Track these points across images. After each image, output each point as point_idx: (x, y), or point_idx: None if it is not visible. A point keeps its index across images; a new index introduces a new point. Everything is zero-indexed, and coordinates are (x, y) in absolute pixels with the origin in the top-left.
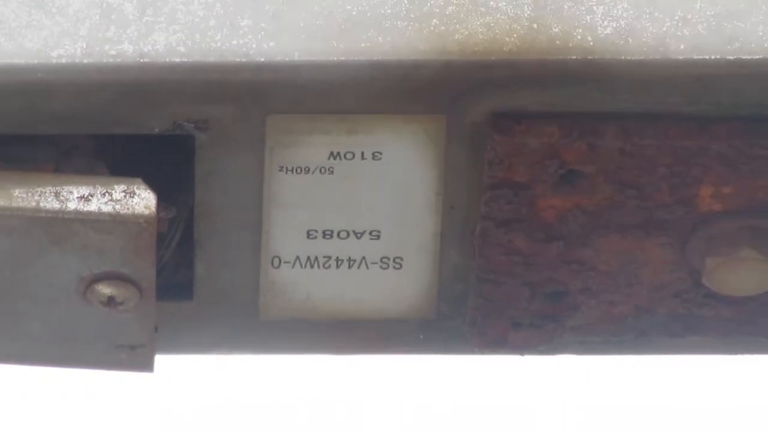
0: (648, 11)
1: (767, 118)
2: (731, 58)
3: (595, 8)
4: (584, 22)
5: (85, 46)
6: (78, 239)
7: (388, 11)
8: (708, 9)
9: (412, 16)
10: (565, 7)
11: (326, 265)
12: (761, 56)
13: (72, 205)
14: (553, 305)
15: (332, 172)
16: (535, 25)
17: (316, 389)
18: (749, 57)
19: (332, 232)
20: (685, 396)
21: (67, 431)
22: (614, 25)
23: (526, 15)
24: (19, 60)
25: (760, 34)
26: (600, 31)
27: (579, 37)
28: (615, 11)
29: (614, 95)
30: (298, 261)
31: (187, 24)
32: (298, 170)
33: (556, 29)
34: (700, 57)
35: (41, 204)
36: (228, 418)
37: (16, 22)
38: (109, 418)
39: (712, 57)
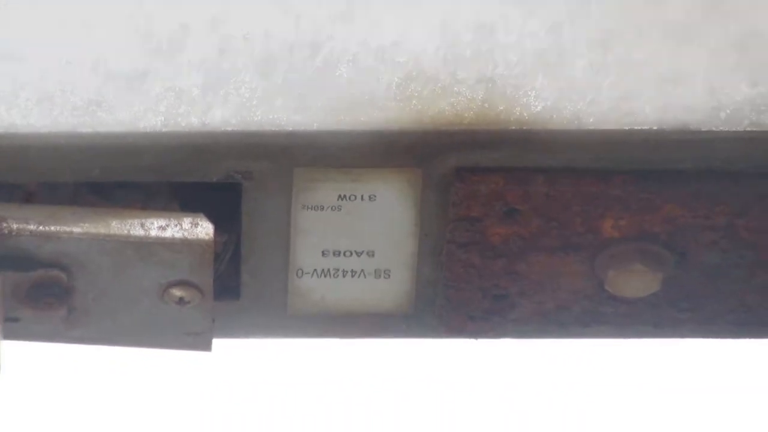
0: (567, 95)
1: (651, 171)
2: (626, 128)
3: (529, 92)
4: (522, 102)
5: (163, 120)
6: (158, 257)
7: (381, 95)
8: (610, 92)
9: (398, 98)
10: (508, 91)
11: (335, 275)
12: (648, 127)
13: (153, 233)
14: (498, 304)
15: (340, 209)
16: (486, 105)
17: (328, 364)
18: (639, 128)
19: (340, 251)
20: (592, 372)
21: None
22: (543, 105)
23: (479, 97)
24: (117, 128)
25: (648, 111)
26: (533, 109)
27: (518, 113)
28: (544, 94)
29: (542, 154)
30: (315, 272)
31: (236, 103)
32: (316, 208)
33: (501, 107)
34: (604, 128)
35: (131, 232)
36: (265, 389)
37: (115, 101)
38: (176, 386)
39: (613, 128)
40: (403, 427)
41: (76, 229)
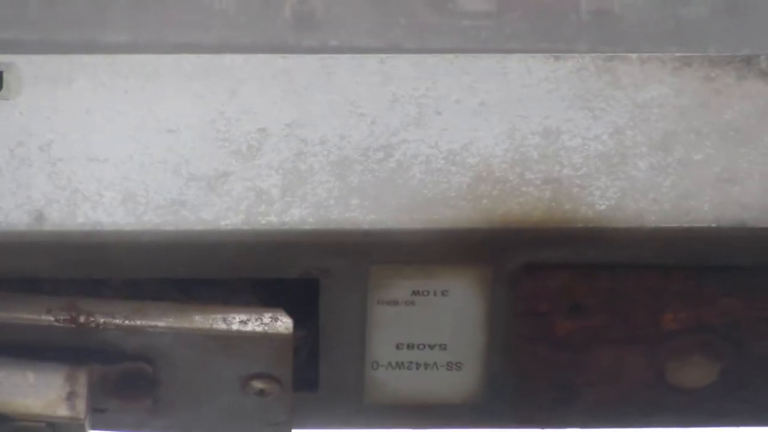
0: (630, 194)
1: (709, 266)
2: (686, 226)
3: (594, 191)
4: (587, 201)
5: (244, 218)
6: (239, 350)
7: (453, 194)
8: (671, 192)
9: (469, 197)
10: (574, 191)
11: (409, 368)
12: (706, 225)
13: (235, 327)
14: (564, 394)
15: (414, 304)
16: (553, 204)
17: None
18: (698, 225)
19: (413, 345)
20: None
21: None
22: (607, 204)
23: (546, 197)
24: (199, 227)
25: (706, 209)
26: (597, 208)
27: (583, 212)
28: (608, 193)
29: (607, 251)
30: (389, 365)
31: (313, 203)
32: (390, 303)
33: (568, 206)
34: (665, 226)
35: (213, 326)
36: None
37: (197, 201)
38: None
39: (673, 225)
40: None
41: (161, 324)
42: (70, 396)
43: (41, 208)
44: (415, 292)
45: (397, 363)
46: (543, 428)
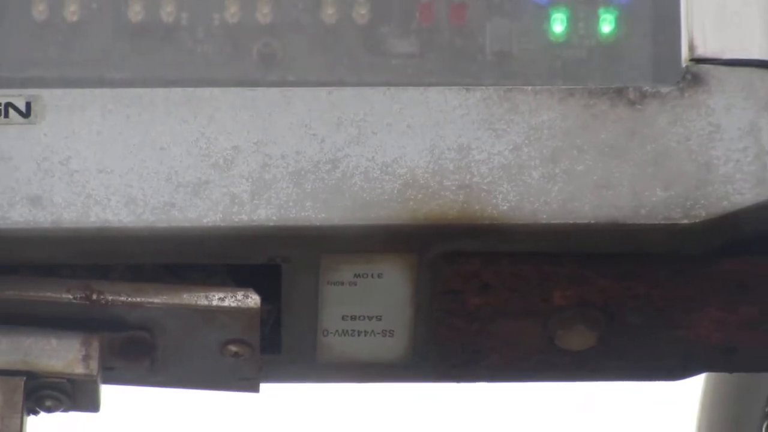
0: (526, 197)
1: (589, 254)
2: (571, 222)
3: (498, 195)
4: (492, 203)
5: (221, 216)
6: (218, 321)
7: (386, 197)
8: (558, 195)
9: (399, 200)
10: (482, 195)
11: (352, 335)
12: (587, 222)
13: (215, 303)
14: (474, 356)
15: (356, 284)
16: (465, 205)
17: (347, 402)
18: (581, 222)
19: (356, 316)
20: (547, 406)
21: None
22: (508, 205)
23: (460, 199)
24: (186, 224)
25: (586, 209)
26: (501, 208)
27: (489, 211)
28: (509, 197)
29: (509, 242)
30: (337, 332)
31: (276, 204)
32: (337, 283)
33: (477, 207)
34: (554, 222)
35: (198, 302)
36: (300, 422)
37: (184, 203)
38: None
39: (561, 222)
40: None
41: (156, 300)
42: (85, 357)
43: (62, 209)
44: (357, 275)
45: (343, 331)
46: (458, 382)
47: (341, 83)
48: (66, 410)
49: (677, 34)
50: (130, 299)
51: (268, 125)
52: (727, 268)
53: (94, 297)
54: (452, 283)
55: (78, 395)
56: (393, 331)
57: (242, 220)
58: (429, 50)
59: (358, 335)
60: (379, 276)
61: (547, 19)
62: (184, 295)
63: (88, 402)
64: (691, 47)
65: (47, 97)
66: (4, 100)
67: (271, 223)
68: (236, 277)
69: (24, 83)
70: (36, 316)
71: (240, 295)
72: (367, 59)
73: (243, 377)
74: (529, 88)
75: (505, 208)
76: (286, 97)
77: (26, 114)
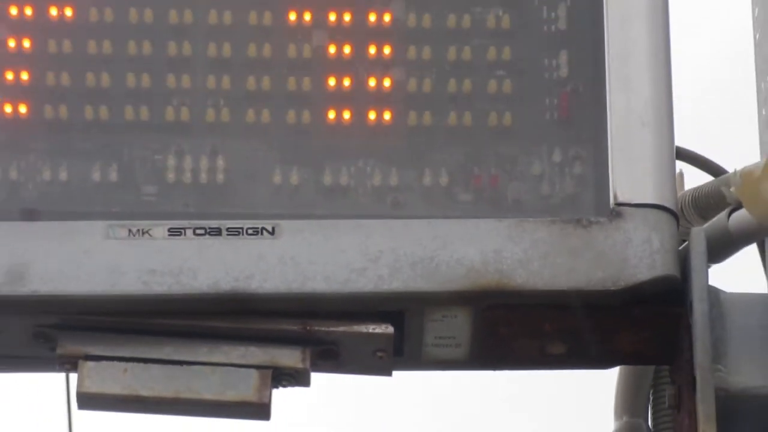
0: (531, 276)
1: (565, 305)
2: (554, 289)
3: (516, 275)
4: (513, 279)
5: (380, 286)
6: (372, 340)
7: (459, 276)
8: (548, 274)
9: (465, 277)
10: (507, 275)
11: (440, 347)
12: (563, 288)
13: (370, 330)
14: (503, 357)
15: (443, 321)
16: (498, 281)
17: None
18: (558, 288)
19: (442, 337)
20: None
21: None
22: (522, 280)
23: (496, 278)
24: (367, 290)
25: (563, 282)
26: (517, 281)
27: (511, 284)
28: (522, 276)
29: (521, 299)
30: (432, 345)
31: (405, 280)
32: (433, 320)
33: (505, 281)
34: (545, 288)
35: (361, 330)
36: None
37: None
38: None
39: (548, 289)
40: None
41: (340, 329)
42: (303, 359)
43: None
44: (443, 316)
45: (435, 344)
46: (493, 370)
47: (435, 217)
48: (292, 386)
49: (607, 188)
50: (327, 329)
51: (397, 237)
52: (635, 312)
53: (308, 328)
54: (491, 321)
55: (299, 378)
56: (460, 344)
57: (390, 288)
58: (479, 200)
59: (443, 347)
60: (455, 317)
61: (541, 184)
62: (354, 327)
63: (304, 383)
64: (615, 196)
65: (285, 224)
66: (260, 225)
67: (401, 290)
68: (380, 318)
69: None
70: (276, 337)
71: (383, 326)
72: (448, 204)
73: (384, 368)
74: (531, 219)
75: (519, 282)
76: (406, 225)
77: (272, 233)
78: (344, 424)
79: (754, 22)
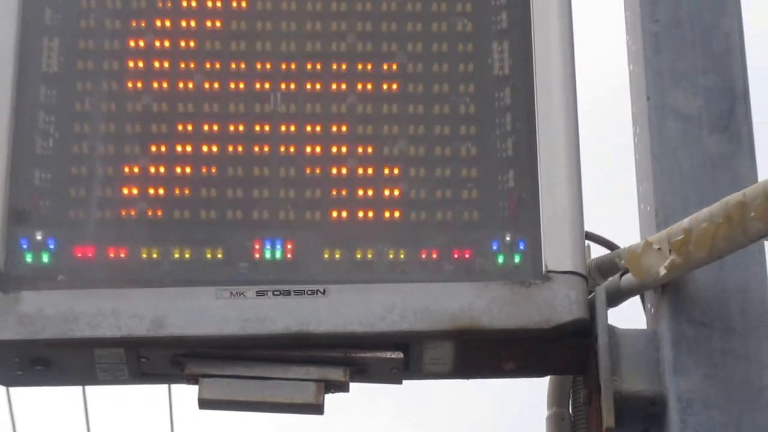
0: (494, 319)
1: (515, 338)
2: (508, 327)
3: (482, 318)
4: (480, 321)
5: (393, 327)
6: (388, 361)
7: (444, 319)
8: (504, 317)
9: (449, 320)
10: (476, 318)
11: (434, 365)
12: (513, 327)
13: (387, 356)
14: (477, 371)
15: (435, 349)
16: (470, 322)
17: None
18: (511, 327)
19: (435, 359)
20: None
21: None
22: (487, 321)
23: (468, 321)
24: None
25: (512, 323)
26: (483, 323)
27: (479, 325)
28: (486, 319)
29: (487, 335)
30: (429, 364)
31: (405, 322)
32: (430, 348)
33: (476, 323)
34: (501, 327)
35: (380, 356)
36: None
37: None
38: None
39: (503, 327)
40: None
41: (369, 355)
42: (344, 375)
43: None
44: (434, 345)
45: (431, 364)
46: (471, 378)
47: (429, 281)
48: (338, 392)
49: (541, 261)
50: (360, 356)
51: (405, 295)
52: (560, 342)
53: (348, 355)
54: (467, 349)
55: (342, 387)
56: (446, 363)
57: (401, 329)
58: (457, 270)
59: (436, 365)
60: (443, 346)
61: (497, 259)
62: (378, 354)
63: (345, 390)
64: (545, 266)
65: (332, 287)
66: (315, 288)
67: (408, 330)
68: (395, 347)
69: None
70: (326, 361)
71: (396, 353)
72: (437, 272)
73: (397, 380)
74: (492, 282)
75: (484, 323)
76: (410, 287)
77: (324, 294)
78: None
79: (628, 54)
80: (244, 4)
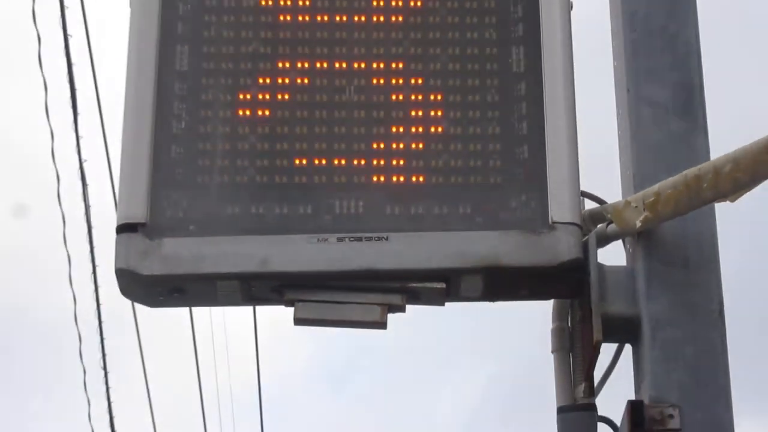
0: (501, 255)
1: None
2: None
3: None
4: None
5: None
6: (434, 288)
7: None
8: (512, 252)
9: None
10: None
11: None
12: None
13: (429, 286)
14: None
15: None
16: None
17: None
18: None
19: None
20: None
21: None
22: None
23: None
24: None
25: (524, 258)
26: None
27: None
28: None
29: None
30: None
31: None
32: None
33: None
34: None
35: (426, 286)
36: None
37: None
38: None
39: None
40: None
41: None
42: (402, 299)
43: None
44: (469, 277)
45: (463, 291)
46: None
47: (467, 230)
48: (398, 312)
49: (548, 215)
50: (415, 285)
51: (448, 241)
52: (562, 275)
53: (407, 285)
54: (492, 281)
55: (401, 309)
56: (478, 291)
57: (442, 266)
58: (486, 221)
59: (468, 292)
60: (475, 278)
61: (516, 213)
62: (427, 284)
63: (402, 311)
64: (551, 218)
65: (392, 235)
66: (380, 235)
67: (447, 266)
68: (439, 278)
69: None
70: (389, 290)
71: (440, 284)
72: (471, 224)
73: (441, 302)
74: (512, 231)
75: (507, 261)
76: (454, 235)
77: (387, 239)
78: None
79: (613, 54)
80: (326, 17)
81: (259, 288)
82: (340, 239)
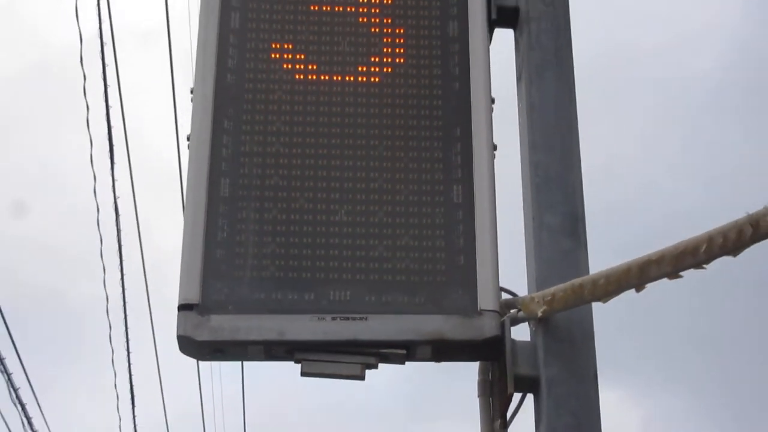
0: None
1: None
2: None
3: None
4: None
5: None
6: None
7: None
8: (450, 330)
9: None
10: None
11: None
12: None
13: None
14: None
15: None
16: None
17: None
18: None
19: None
20: None
21: None
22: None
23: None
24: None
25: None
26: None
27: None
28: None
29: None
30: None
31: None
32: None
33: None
34: (458, 338)
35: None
36: None
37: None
38: None
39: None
40: None
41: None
42: (375, 360)
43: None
44: (422, 346)
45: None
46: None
47: (415, 313)
48: (372, 369)
49: (476, 304)
50: (385, 351)
51: (407, 322)
52: (487, 346)
53: (379, 351)
54: (438, 349)
55: (374, 367)
56: (427, 355)
57: (402, 338)
58: (434, 308)
59: (422, 356)
60: (426, 347)
61: (456, 302)
62: (392, 350)
63: (374, 368)
64: (479, 306)
65: (370, 316)
66: (360, 316)
67: (408, 339)
68: (400, 347)
69: None
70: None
71: (402, 350)
72: (419, 309)
73: (401, 362)
74: (451, 315)
75: (448, 336)
76: (410, 317)
77: (366, 319)
78: None
79: (522, 191)
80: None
81: (276, 350)
82: (333, 318)
